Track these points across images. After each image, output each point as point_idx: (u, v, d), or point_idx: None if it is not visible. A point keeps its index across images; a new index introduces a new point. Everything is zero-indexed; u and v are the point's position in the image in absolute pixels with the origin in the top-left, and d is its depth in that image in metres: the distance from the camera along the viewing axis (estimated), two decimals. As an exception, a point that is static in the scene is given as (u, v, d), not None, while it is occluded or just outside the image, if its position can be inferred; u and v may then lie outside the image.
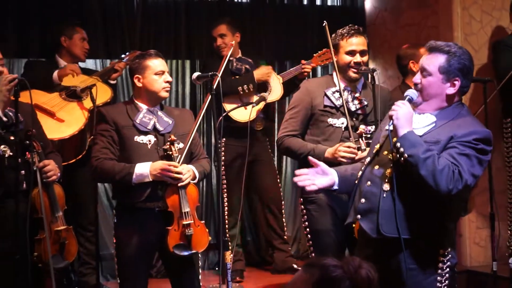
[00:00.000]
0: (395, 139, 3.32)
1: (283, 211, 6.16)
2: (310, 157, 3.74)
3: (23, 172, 3.80)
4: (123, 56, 5.44)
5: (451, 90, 3.37)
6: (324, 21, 4.62)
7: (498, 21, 6.09)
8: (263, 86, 5.73)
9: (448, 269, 3.42)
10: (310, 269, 2.48)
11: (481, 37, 6.11)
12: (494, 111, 5.69)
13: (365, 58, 4.50)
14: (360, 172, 3.57)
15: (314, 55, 5.73)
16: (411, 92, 3.41)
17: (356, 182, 3.58)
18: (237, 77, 5.52)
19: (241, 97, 5.63)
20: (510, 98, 5.69)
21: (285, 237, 6.14)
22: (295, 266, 5.98)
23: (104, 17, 6.12)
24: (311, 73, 6.16)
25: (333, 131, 4.47)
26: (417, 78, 3.43)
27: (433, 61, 3.38)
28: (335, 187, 3.61)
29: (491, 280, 4.90)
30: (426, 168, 3.22)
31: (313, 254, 4.58)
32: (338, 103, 4.44)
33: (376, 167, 3.48)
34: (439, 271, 3.41)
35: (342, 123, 4.43)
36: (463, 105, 3.49)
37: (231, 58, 5.81)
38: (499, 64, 5.73)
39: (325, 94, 4.49)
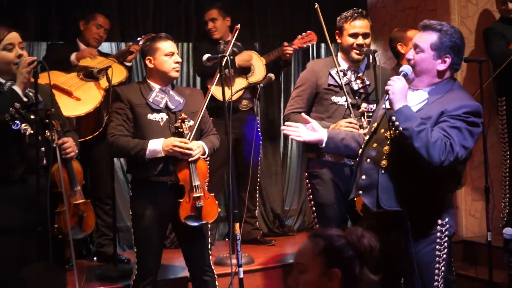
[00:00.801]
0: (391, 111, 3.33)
1: (257, 187, 6.17)
2: (302, 114, 3.84)
3: (43, 149, 3.81)
4: (138, 39, 5.43)
5: (441, 67, 3.40)
6: (316, 3, 4.61)
7: (492, 4, 6.05)
8: (246, 69, 5.74)
9: (446, 238, 3.46)
10: (316, 239, 2.50)
11: (476, 20, 6.11)
12: (489, 90, 5.68)
13: (367, 40, 4.51)
14: (360, 150, 3.60)
15: (298, 36, 5.72)
16: (406, 68, 3.43)
17: (358, 159, 3.60)
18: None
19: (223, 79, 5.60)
20: (503, 79, 5.68)
21: (255, 212, 6.19)
22: (258, 237, 6.09)
23: (119, 2, 6.11)
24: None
25: (336, 109, 4.48)
26: (410, 54, 3.47)
27: (425, 38, 3.42)
28: (323, 145, 3.63)
29: (486, 249, 4.90)
30: (420, 141, 3.23)
31: (317, 226, 4.61)
32: (341, 82, 4.45)
33: (374, 145, 3.50)
34: (438, 240, 3.44)
35: (345, 101, 4.43)
36: (455, 80, 3.52)
37: (220, 41, 5.82)
38: (491, 51, 5.71)
39: (330, 74, 4.50)
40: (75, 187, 4.14)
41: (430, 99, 3.42)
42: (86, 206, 4.21)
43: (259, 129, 6.02)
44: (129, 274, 4.64)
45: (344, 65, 4.48)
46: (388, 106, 3.37)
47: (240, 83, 5.65)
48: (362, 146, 3.62)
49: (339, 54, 4.58)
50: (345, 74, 4.42)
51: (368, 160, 3.51)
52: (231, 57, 5.34)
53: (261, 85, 5.16)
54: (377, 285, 2.51)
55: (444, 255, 3.47)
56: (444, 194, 3.49)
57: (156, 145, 4.16)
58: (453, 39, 3.39)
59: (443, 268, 3.50)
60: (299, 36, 5.69)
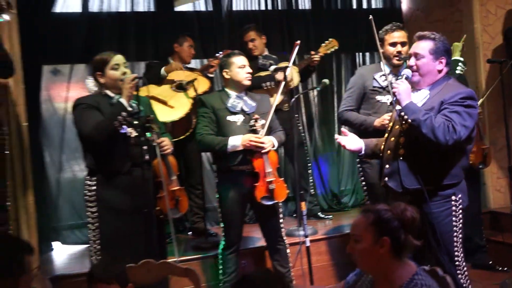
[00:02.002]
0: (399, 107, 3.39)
1: (309, 171, 6.08)
2: (342, 128, 3.92)
3: (145, 147, 3.85)
4: (216, 55, 5.46)
5: (440, 66, 3.45)
6: (370, 15, 4.56)
7: (510, 13, 5.91)
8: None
9: (460, 210, 3.46)
10: (367, 213, 2.50)
11: (496, 27, 5.94)
12: (509, 86, 5.53)
13: (405, 48, 4.45)
14: (383, 146, 3.61)
15: (322, 45, 5.59)
16: (407, 72, 3.48)
17: (382, 153, 3.61)
18: (261, 75, 5.40)
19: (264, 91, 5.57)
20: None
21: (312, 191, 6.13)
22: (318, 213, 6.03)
23: (200, 26, 6.15)
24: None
25: (380, 106, 4.46)
26: (412, 62, 3.49)
27: (423, 46, 3.45)
28: (362, 152, 3.70)
29: (510, 218, 4.80)
30: (426, 127, 3.25)
31: (368, 202, 4.58)
32: (384, 84, 4.41)
33: (392, 139, 3.52)
34: (453, 212, 3.44)
35: (388, 99, 4.39)
36: (449, 77, 3.54)
37: (258, 56, 5.76)
38: (510, 47, 5.58)
39: (374, 78, 4.47)
40: (172, 176, 4.18)
41: (431, 94, 3.46)
42: (181, 191, 4.26)
43: (299, 124, 5.96)
44: (217, 245, 4.68)
45: (386, 69, 4.43)
46: (398, 106, 3.42)
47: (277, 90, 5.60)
48: (384, 142, 3.61)
49: (382, 61, 4.52)
50: (386, 78, 4.38)
51: (389, 151, 3.53)
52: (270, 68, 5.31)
53: (318, 88, 5.15)
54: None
55: (460, 225, 3.47)
56: (455, 171, 3.45)
57: (235, 141, 4.20)
58: (445, 44, 3.48)
59: (460, 235, 3.49)
60: (323, 44, 5.58)
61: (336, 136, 3.79)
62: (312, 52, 5.54)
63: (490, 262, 5.10)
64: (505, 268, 5.01)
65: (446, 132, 3.26)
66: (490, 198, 5.90)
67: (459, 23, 6.00)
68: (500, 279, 4.77)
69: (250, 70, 4.40)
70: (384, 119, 4.25)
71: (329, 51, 5.63)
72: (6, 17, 3.96)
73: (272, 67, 4.77)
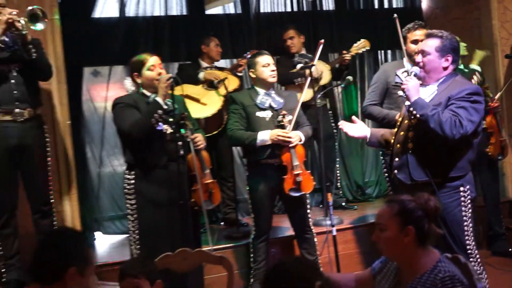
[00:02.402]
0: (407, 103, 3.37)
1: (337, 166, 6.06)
2: (353, 117, 3.83)
3: (180, 143, 3.86)
4: (245, 54, 5.45)
5: (445, 64, 3.39)
6: (395, 14, 4.53)
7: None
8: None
9: (469, 201, 3.42)
10: (391, 203, 2.48)
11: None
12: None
13: None
14: (392, 140, 3.56)
15: (354, 45, 5.54)
16: (415, 69, 3.44)
17: (392, 147, 3.57)
18: (294, 71, 5.37)
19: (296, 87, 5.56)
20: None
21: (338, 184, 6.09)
22: (343, 203, 5.96)
23: (230, 28, 6.14)
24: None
25: (402, 101, 4.39)
26: (418, 58, 3.46)
27: (430, 44, 3.42)
28: (367, 140, 3.70)
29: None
30: (434, 121, 3.22)
31: (391, 193, 4.54)
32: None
33: (401, 133, 3.48)
34: (462, 203, 3.40)
35: None
36: (457, 73, 3.49)
37: (296, 54, 5.72)
38: None
39: (396, 74, 4.43)
40: (205, 170, 4.19)
41: (439, 90, 3.41)
42: (214, 184, 4.27)
43: (332, 120, 5.92)
44: (248, 235, 4.70)
45: (408, 66, 4.38)
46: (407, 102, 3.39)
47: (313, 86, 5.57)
48: (393, 136, 3.57)
49: (405, 58, 4.49)
50: (408, 74, 4.33)
51: (398, 145, 3.49)
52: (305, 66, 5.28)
53: (342, 85, 5.12)
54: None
55: (469, 214, 3.44)
56: (461, 163, 3.41)
57: (264, 136, 4.20)
58: (452, 42, 3.42)
59: (470, 225, 3.45)
60: (355, 44, 5.54)
61: (340, 123, 3.79)
62: (344, 52, 5.51)
63: (510, 249, 5.03)
64: (525, 255, 4.94)
65: (453, 127, 3.22)
66: (509, 188, 5.80)
67: (478, 20, 5.91)
68: (520, 266, 4.73)
69: (274, 68, 4.37)
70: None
71: (360, 51, 5.60)
72: (41, 26, 4.00)
73: (299, 65, 4.76)
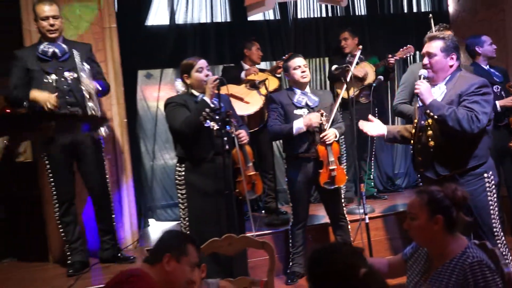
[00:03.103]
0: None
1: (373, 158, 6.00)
2: (369, 116, 3.78)
3: (226, 138, 3.88)
4: (283, 57, 5.43)
5: (451, 62, 3.36)
6: (430, 14, 4.48)
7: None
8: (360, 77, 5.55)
9: (493, 186, 3.40)
10: (421, 194, 2.46)
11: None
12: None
13: None
14: (412, 140, 3.50)
15: (400, 49, 5.47)
16: (424, 72, 3.39)
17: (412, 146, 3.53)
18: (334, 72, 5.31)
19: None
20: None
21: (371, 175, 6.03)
22: (375, 194, 5.92)
23: (270, 33, 6.14)
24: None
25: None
26: (426, 61, 3.40)
27: (434, 46, 3.36)
28: (384, 137, 3.68)
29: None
30: (451, 120, 3.20)
31: (421, 184, 4.48)
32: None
33: (420, 133, 3.42)
34: (487, 188, 3.38)
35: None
36: (461, 69, 3.46)
37: (348, 54, 5.66)
38: None
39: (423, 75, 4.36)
40: (248, 163, 4.20)
41: (448, 88, 3.37)
42: (256, 176, 4.27)
43: (377, 116, 5.83)
44: (287, 222, 4.71)
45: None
46: (420, 103, 3.36)
47: (356, 85, 5.53)
48: (412, 137, 3.50)
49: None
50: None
51: (419, 145, 3.43)
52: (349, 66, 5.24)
53: (374, 84, 5.06)
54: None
55: (495, 199, 3.42)
56: (481, 152, 3.38)
57: (299, 124, 4.22)
58: (454, 42, 3.40)
59: (496, 209, 3.43)
60: (401, 49, 5.47)
61: (360, 123, 3.75)
62: (389, 55, 5.45)
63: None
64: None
65: (471, 122, 3.21)
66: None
67: (503, 21, 5.77)
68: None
69: (305, 69, 4.34)
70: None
71: (405, 56, 5.54)
72: (103, 132, 4.16)
73: (334, 66, 4.72)
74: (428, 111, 3.29)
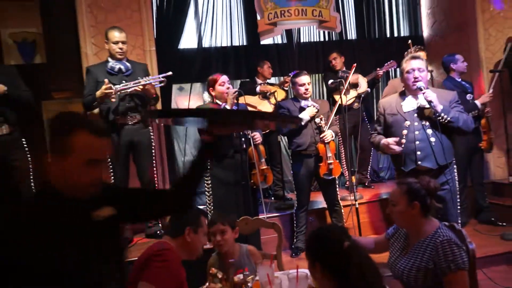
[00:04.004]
0: (427, 111, 3.29)
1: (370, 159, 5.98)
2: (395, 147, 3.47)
3: (243, 139, 3.89)
4: (289, 74, 5.44)
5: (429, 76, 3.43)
6: (410, 40, 4.46)
7: (508, 33, 5.59)
8: (355, 85, 5.50)
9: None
10: (401, 185, 2.44)
11: (496, 46, 5.61)
12: (507, 90, 5.24)
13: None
14: (404, 140, 3.36)
15: (385, 64, 5.45)
16: (421, 84, 3.29)
17: (403, 146, 3.35)
18: (331, 85, 5.26)
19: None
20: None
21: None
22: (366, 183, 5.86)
23: (278, 53, 6.13)
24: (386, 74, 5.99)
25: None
26: (417, 75, 3.30)
27: (421, 63, 3.33)
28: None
29: (507, 186, 4.58)
30: (461, 122, 3.21)
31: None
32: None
33: (417, 132, 3.32)
34: (456, 177, 3.45)
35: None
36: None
37: (339, 70, 5.63)
38: (506, 61, 5.29)
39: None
40: (261, 159, 4.21)
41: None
42: (268, 170, 4.28)
43: (366, 119, 5.80)
44: (292, 207, 4.69)
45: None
46: (427, 105, 3.26)
47: (352, 93, 5.51)
48: (407, 135, 3.38)
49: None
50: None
51: (418, 142, 3.32)
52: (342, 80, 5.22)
53: (363, 95, 5.05)
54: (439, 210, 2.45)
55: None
56: (454, 148, 3.44)
57: (304, 115, 4.19)
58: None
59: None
60: (386, 64, 5.45)
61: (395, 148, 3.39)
62: (378, 69, 5.43)
63: (493, 219, 4.87)
64: (504, 223, 4.78)
65: (470, 123, 3.26)
66: (492, 172, 5.61)
67: (467, 44, 5.71)
68: (500, 231, 4.57)
69: (308, 87, 4.28)
70: None
71: (389, 69, 5.54)
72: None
73: (330, 81, 4.71)
74: (442, 114, 3.20)
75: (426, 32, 6.53)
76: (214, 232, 2.72)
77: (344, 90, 4.71)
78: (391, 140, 3.35)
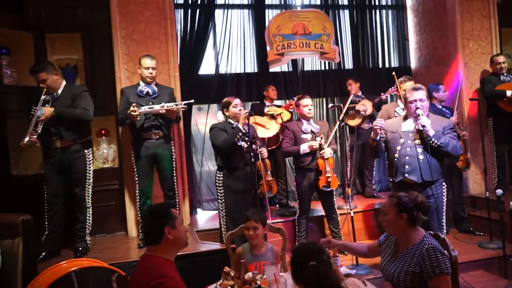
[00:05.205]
0: (416, 131, 3.29)
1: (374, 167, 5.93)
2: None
3: (252, 153, 3.88)
4: (294, 98, 5.42)
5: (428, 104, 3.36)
6: (393, 72, 4.43)
7: (484, 67, 5.55)
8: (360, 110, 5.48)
9: (445, 192, 3.41)
10: (392, 197, 2.42)
11: (475, 78, 5.58)
12: (484, 116, 5.22)
13: None
14: (397, 154, 3.36)
15: (389, 89, 5.38)
16: (420, 111, 3.28)
17: (395, 160, 3.36)
18: (349, 107, 5.24)
19: (349, 116, 5.47)
20: (490, 108, 5.21)
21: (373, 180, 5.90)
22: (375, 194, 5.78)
23: (285, 80, 6.12)
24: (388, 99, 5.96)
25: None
26: (418, 105, 3.29)
27: (422, 93, 3.30)
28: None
29: (485, 201, 4.49)
30: (450, 147, 3.16)
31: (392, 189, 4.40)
32: (402, 114, 4.23)
33: (408, 149, 3.31)
34: (444, 193, 3.40)
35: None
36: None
37: (352, 94, 5.59)
38: (483, 91, 5.26)
39: (395, 110, 4.30)
40: (267, 171, 4.20)
41: (430, 119, 3.32)
42: (273, 180, 4.26)
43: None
44: (294, 213, 4.64)
45: (401, 105, 4.26)
46: (421, 128, 3.24)
47: (359, 116, 5.47)
48: (399, 151, 3.36)
49: (399, 100, 4.35)
50: (403, 111, 4.21)
51: (408, 157, 3.31)
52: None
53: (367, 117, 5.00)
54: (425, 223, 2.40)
55: (445, 201, 3.42)
56: (443, 167, 3.39)
57: (304, 147, 4.17)
58: (426, 90, 3.39)
59: (445, 208, 3.42)
60: (389, 89, 5.30)
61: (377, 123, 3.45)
62: (382, 93, 5.40)
63: (471, 229, 4.79)
64: (481, 233, 4.69)
65: (459, 149, 3.22)
66: (471, 188, 5.51)
67: (450, 75, 5.68)
68: (477, 240, 4.50)
69: (311, 108, 4.28)
70: None
71: (392, 94, 5.51)
72: None
73: (330, 105, 4.69)
74: (433, 139, 3.19)
75: (413, 64, 6.51)
76: (248, 227, 2.80)
77: (342, 114, 4.70)
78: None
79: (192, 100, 4.11)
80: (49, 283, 2.45)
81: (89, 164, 3.89)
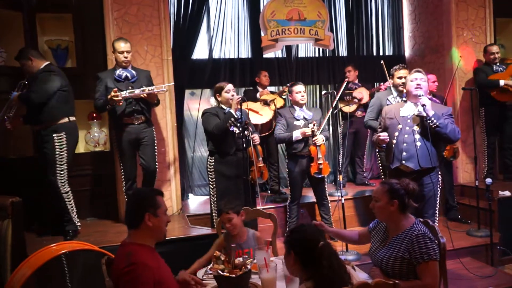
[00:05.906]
0: (414, 115, 3.26)
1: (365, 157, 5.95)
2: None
3: (244, 139, 3.86)
4: (287, 84, 5.40)
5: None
6: (382, 60, 4.40)
7: (478, 56, 5.54)
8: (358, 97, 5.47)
9: (440, 180, 3.41)
10: (383, 184, 2.42)
11: (468, 67, 5.56)
12: (476, 105, 5.23)
13: None
14: (395, 140, 3.34)
15: (388, 81, 5.41)
16: (421, 91, 3.28)
17: (393, 146, 3.34)
18: (346, 92, 5.21)
19: (345, 102, 5.46)
20: (482, 98, 5.24)
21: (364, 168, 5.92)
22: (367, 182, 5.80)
23: (279, 66, 6.08)
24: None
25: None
26: (419, 82, 3.30)
27: (423, 76, 3.31)
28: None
29: (474, 190, 4.53)
30: (448, 129, 3.14)
31: (383, 177, 4.42)
32: (393, 102, 4.21)
33: (406, 136, 3.28)
34: (439, 181, 3.40)
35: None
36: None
37: (350, 82, 5.59)
38: (476, 80, 5.26)
39: (387, 98, 4.28)
40: (259, 158, 4.18)
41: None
42: (264, 167, 4.24)
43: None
44: (286, 200, 4.65)
45: (394, 93, 4.25)
46: (423, 113, 3.22)
47: (355, 103, 5.46)
48: (397, 137, 3.35)
49: (392, 88, 4.34)
50: (395, 99, 4.20)
51: (405, 144, 3.30)
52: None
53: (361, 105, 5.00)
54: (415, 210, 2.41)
55: (439, 190, 3.41)
56: (439, 155, 3.38)
57: (296, 134, 4.16)
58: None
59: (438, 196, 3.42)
60: (388, 81, 5.36)
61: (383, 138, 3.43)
62: (381, 84, 5.38)
63: (459, 217, 4.84)
64: (469, 221, 4.75)
65: (457, 133, 3.19)
66: (461, 176, 5.55)
67: (442, 64, 5.67)
68: (466, 228, 4.56)
69: (304, 94, 4.28)
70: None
71: (390, 85, 5.51)
72: None
73: (323, 92, 4.68)
74: (432, 118, 3.17)
75: (407, 52, 6.49)
76: (223, 221, 2.74)
77: (337, 99, 4.69)
78: (381, 135, 3.40)
79: (172, 83, 4.06)
80: (38, 265, 2.44)
81: (60, 148, 3.66)
